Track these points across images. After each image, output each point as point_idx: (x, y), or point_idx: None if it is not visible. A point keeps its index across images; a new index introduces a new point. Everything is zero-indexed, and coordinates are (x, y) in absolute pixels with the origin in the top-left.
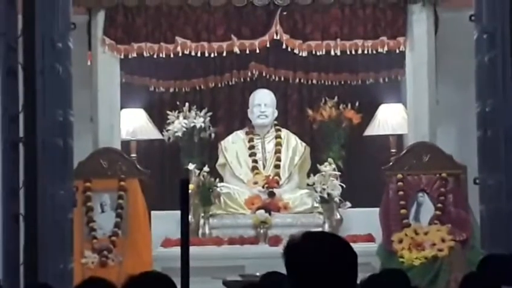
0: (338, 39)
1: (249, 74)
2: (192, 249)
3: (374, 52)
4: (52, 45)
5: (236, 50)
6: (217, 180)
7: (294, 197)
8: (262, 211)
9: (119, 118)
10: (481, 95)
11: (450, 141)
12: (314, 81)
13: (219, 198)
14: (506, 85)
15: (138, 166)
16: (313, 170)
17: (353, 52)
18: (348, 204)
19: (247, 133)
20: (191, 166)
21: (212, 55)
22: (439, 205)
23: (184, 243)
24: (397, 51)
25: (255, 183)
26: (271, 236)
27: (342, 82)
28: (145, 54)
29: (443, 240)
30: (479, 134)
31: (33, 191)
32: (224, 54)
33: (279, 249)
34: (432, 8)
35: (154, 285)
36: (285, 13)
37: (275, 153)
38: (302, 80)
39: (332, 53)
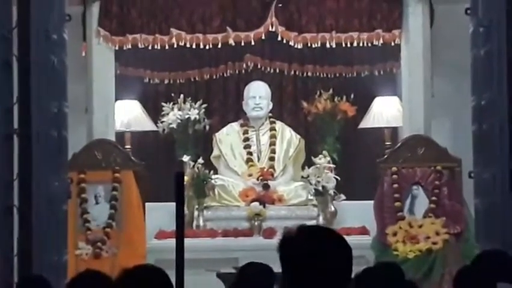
0: (334, 32)
1: (244, 66)
2: (186, 241)
3: (369, 45)
4: (47, 36)
5: (231, 41)
6: (212, 172)
7: (289, 189)
8: (256, 203)
9: (114, 110)
10: (476, 89)
11: (445, 134)
12: (309, 74)
13: (213, 190)
14: (502, 79)
15: (132, 158)
16: (308, 163)
17: (348, 44)
18: (343, 196)
19: (241, 125)
20: (185, 158)
21: (207, 47)
22: (434, 198)
23: (179, 237)
24: (392, 43)
25: (250, 175)
26: (265, 228)
27: (337, 74)
28: (139, 45)
29: (437, 233)
30: (474, 127)
31: (28, 182)
32: (219, 46)
33: (274, 241)
34: (428, 1)
35: (148, 279)
36: (280, 5)
37: (270, 145)
38: (297, 72)
39: (327, 45)
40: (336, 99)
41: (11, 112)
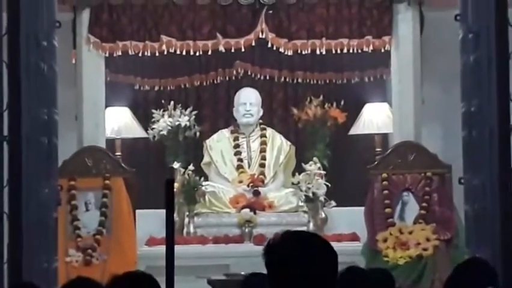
0: (324, 38)
1: (234, 72)
2: (177, 248)
3: (359, 51)
4: (37, 43)
5: (221, 48)
6: (202, 179)
7: (279, 195)
8: (247, 210)
9: (104, 116)
10: (466, 95)
11: (435, 141)
12: (299, 80)
13: (203, 197)
14: (492, 85)
15: (123, 165)
16: (298, 169)
17: (338, 51)
18: (333, 203)
19: (232, 132)
20: (176, 165)
21: (197, 53)
22: (424, 204)
23: (169, 243)
24: (382, 50)
25: (240, 182)
26: (256, 234)
27: (328, 81)
28: (130, 52)
29: (427, 240)
30: (464, 133)
31: (18, 189)
32: (209, 52)
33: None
34: (417, 8)
35: (138, 285)
36: (270, 12)
37: (260, 152)
38: (287, 79)
39: (318, 51)
40: (326, 105)
41: (1, 118)
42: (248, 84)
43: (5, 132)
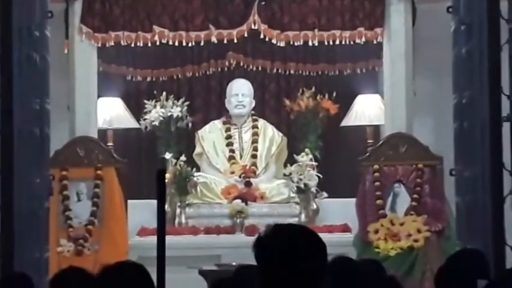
0: (316, 30)
1: (227, 63)
2: (168, 239)
3: (352, 43)
4: (29, 33)
5: (214, 39)
6: (194, 169)
7: (271, 186)
8: (238, 201)
9: (96, 107)
10: (457, 87)
11: (427, 133)
12: (292, 72)
13: (195, 188)
14: (483, 77)
15: (115, 155)
16: (290, 160)
17: (331, 42)
18: (325, 194)
19: (224, 123)
20: (168, 155)
21: (189, 44)
22: (415, 196)
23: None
24: (375, 42)
25: (232, 172)
26: (247, 225)
27: (320, 72)
28: (122, 43)
29: (419, 231)
30: (455, 125)
31: (10, 179)
32: (202, 43)
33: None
34: (410, 0)
35: (129, 275)
36: (263, 3)
37: (252, 143)
38: (280, 70)
39: (310, 43)
40: (318, 97)
41: None
42: (240, 76)
43: None
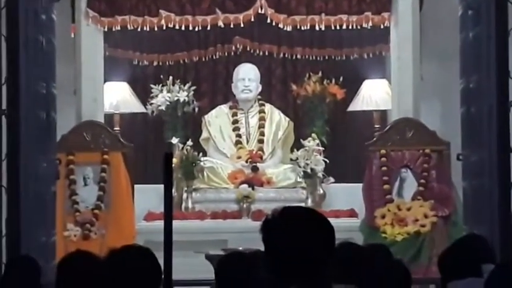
0: (323, 14)
1: (233, 48)
2: (175, 223)
3: (359, 27)
4: (36, 17)
5: (220, 24)
6: (201, 154)
7: (278, 171)
8: (245, 185)
9: (103, 91)
10: (465, 71)
11: (434, 117)
12: (298, 56)
13: (202, 173)
14: (490, 61)
15: (121, 139)
16: (297, 145)
17: (338, 27)
18: (332, 179)
19: (230, 107)
20: (174, 140)
21: (196, 29)
22: (422, 181)
23: (168, 216)
24: (382, 26)
25: (239, 157)
26: (254, 210)
27: (327, 57)
28: (128, 27)
29: (425, 216)
30: (462, 110)
31: (16, 163)
32: (208, 28)
33: None
34: None
35: (136, 259)
36: None
37: (259, 127)
38: (286, 55)
39: (317, 27)
40: (325, 81)
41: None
42: (247, 60)
43: (4, 106)
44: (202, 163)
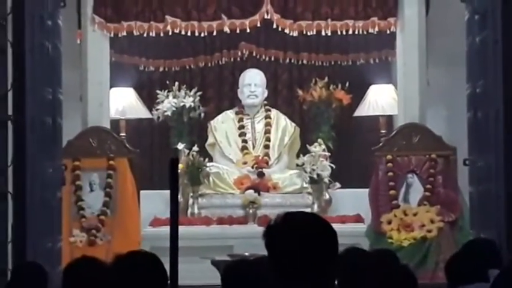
0: (329, 20)
1: (239, 53)
2: (181, 229)
3: (365, 33)
4: (42, 23)
5: (226, 29)
6: (207, 159)
7: (284, 177)
8: (251, 191)
9: (109, 97)
10: (471, 76)
11: (440, 123)
12: (304, 62)
13: (208, 178)
14: (497, 66)
15: (127, 145)
16: (303, 151)
17: (344, 32)
18: (338, 184)
19: (237, 113)
20: (180, 146)
21: (202, 34)
22: (428, 186)
23: (174, 222)
24: (388, 32)
25: (245, 163)
26: (260, 216)
27: (333, 62)
28: (134, 33)
29: (432, 221)
30: (469, 115)
31: (22, 169)
32: (214, 33)
33: None
34: None
35: (142, 264)
36: None
37: (265, 133)
38: (292, 60)
39: (323, 33)
40: (331, 87)
41: (6, 98)
42: (253, 66)
43: (10, 112)
44: (208, 169)
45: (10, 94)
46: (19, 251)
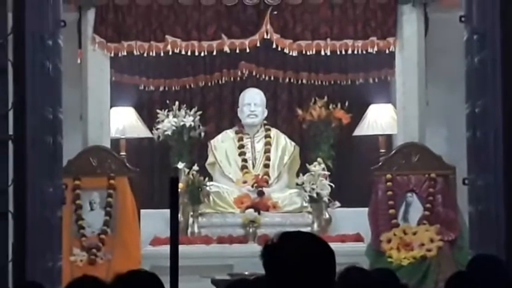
0: (328, 39)
1: (239, 73)
2: (181, 248)
3: (364, 52)
4: (42, 42)
5: (226, 49)
6: (207, 179)
7: (283, 196)
8: (251, 210)
9: (109, 116)
10: (470, 96)
11: (439, 142)
12: (304, 81)
13: (208, 197)
14: (496, 86)
15: (127, 164)
16: (303, 170)
17: (343, 52)
18: (337, 203)
19: (236, 132)
20: (180, 165)
21: (202, 54)
22: (428, 205)
23: (174, 241)
24: (387, 51)
25: (244, 182)
26: (260, 235)
27: (332, 82)
28: (135, 52)
29: (431, 241)
30: (468, 134)
31: (23, 188)
32: (214, 53)
33: None
34: (422, 9)
35: (142, 284)
36: (275, 12)
37: (264, 152)
38: (292, 80)
39: (322, 52)
40: (331, 106)
41: (6, 117)
42: (253, 85)
43: (10, 131)
44: (208, 188)
45: (11, 113)
46: (19, 271)
